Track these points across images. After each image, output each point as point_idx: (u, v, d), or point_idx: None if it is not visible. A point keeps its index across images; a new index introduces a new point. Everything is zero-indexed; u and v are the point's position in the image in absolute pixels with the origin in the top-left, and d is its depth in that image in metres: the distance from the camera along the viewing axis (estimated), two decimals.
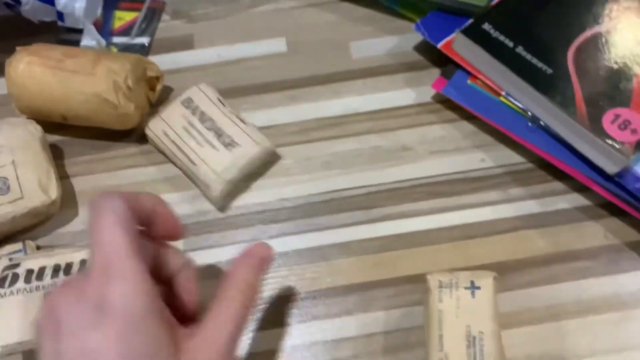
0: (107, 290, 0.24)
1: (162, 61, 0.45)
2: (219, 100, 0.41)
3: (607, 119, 0.36)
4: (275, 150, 0.41)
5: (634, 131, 0.36)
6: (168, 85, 0.45)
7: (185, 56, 0.47)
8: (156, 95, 0.43)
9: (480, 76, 0.41)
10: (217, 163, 0.39)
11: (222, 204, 0.40)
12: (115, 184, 0.41)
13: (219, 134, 0.40)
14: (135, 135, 0.43)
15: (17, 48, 0.40)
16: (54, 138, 0.43)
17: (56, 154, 0.42)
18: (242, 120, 0.40)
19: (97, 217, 0.26)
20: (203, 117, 0.40)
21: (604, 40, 0.40)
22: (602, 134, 0.36)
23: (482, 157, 0.42)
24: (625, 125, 0.36)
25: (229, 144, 0.39)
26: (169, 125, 0.40)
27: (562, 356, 0.34)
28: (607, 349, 0.34)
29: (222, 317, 0.28)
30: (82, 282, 0.25)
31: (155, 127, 0.40)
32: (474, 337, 0.30)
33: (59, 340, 0.24)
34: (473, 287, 0.31)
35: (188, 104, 0.41)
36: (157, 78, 0.43)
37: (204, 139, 0.39)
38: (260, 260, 0.31)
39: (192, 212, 0.40)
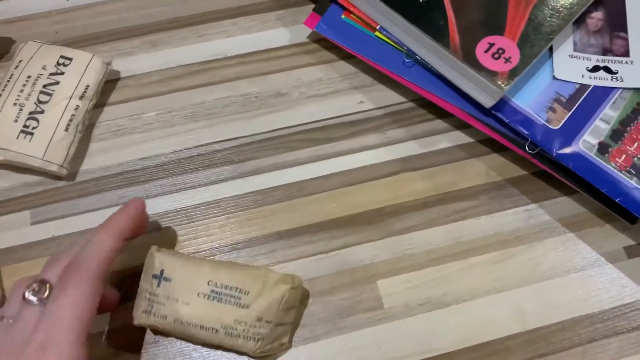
0: None
1: (2, 7, 0.39)
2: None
3: (480, 49, 0.34)
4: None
5: (507, 60, 0.34)
6: (8, 37, 0.40)
7: (28, 2, 0.41)
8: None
9: (353, 10, 0.38)
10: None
11: (68, 172, 0.35)
12: None
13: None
14: None
15: None
16: None
17: None
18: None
19: (77, 271, 0.26)
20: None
21: None
22: (476, 64, 0.34)
23: (361, 99, 0.39)
24: (499, 54, 0.34)
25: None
26: None
27: (442, 301, 0.33)
28: (487, 290, 0.33)
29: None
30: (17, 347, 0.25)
31: None
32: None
33: None
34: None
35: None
36: None
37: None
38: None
39: (40, 179, 0.36)
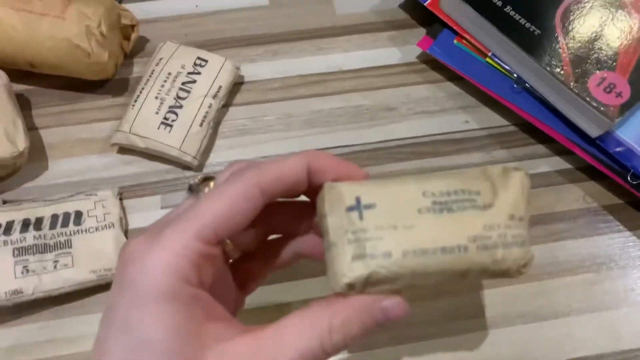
0: (132, 316, 0.21)
1: (136, 10, 0.42)
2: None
3: (593, 82, 0.36)
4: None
5: (619, 94, 0.36)
6: (143, 36, 0.43)
7: (160, 5, 0.45)
8: (131, 45, 0.41)
9: (466, 36, 0.41)
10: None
11: (200, 162, 0.39)
12: (86, 138, 0.39)
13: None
14: (108, 86, 0.41)
15: None
16: (20, 87, 0.40)
17: (23, 105, 0.39)
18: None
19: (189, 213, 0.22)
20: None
21: (590, 3, 0.39)
22: (588, 96, 0.36)
23: (466, 118, 0.41)
24: (610, 88, 0.36)
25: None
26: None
27: (539, 315, 0.35)
28: (582, 309, 0.35)
29: (284, 339, 0.21)
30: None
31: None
32: None
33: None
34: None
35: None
36: (132, 27, 0.41)
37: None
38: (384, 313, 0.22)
39: (170, 168, 0.39)
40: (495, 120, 0.41)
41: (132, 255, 0.21)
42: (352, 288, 0.21)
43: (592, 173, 0.39)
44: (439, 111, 0.41)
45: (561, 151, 0.40)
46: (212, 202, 0.22)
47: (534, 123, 0.39)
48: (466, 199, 0.22)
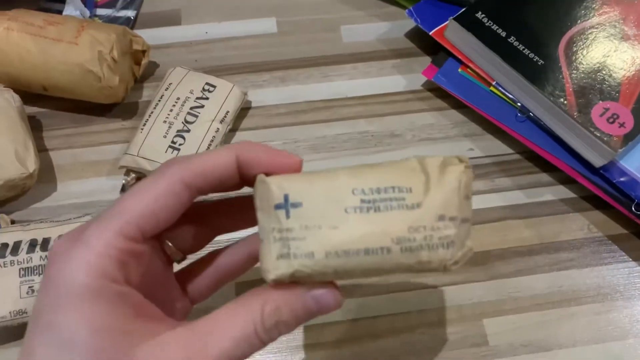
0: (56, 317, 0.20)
1: (148, 36, 0.43)
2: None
3: (596, 112, 0.37)
4: None
5: (622, 125, 0.36)
6: (153, 61, 0.44)
7: (171, 32, 0.46)
8: (141, 70, 0.42)
9: (471, 65, 0.41)
10: None
11: None
12: (95, 160, 0.40)
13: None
14: (118, 109, 0.42)
15: None
16: (33, 109, 0.41)
17: (34, 126, 0.40)
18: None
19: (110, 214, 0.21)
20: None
21: (594, 33, 0.40)
22: (591, 126, 0.36)
23: (471, 146, 0.42)
24: (613, 118, 0.37)
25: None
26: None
27: (544, 345, 0.35)
28: (588, 339, 0.35)
29: (218, 329, 0.21)
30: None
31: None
32: None
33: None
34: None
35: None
36: (143, 52, 0.41)
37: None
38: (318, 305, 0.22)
39: None
40: (500, 148, 0.41)
41: (55, 255, 0.21)
42: (279, 282, 0.21)
43: (596, 202, 0.39)
44: (444, 138, 0.42)
45: (565, 180, 0.40)
46: (135, 198, 0.21)
47: (538, 152, 0.39)
48: (395, 197, 0.21)
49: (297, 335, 0.35)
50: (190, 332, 0.21)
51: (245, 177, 0.23)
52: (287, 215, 0.21)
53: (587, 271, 0.37)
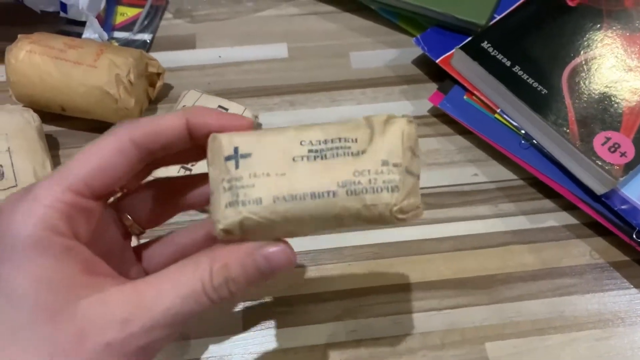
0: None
1: (163, 59, 0.45)
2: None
3: (598, 141, 0.38)
4: None
5: (623, 154, 0.37)
6: (168, 83, 0.46)
7: (186, 55, 0.47)
8: (156, 92, 0.43)
9: (476, 92, 0.42)
10: None
11: None
12: None
13: None
14: None
15: (19, 36, 0.40)
16: (50, 128, 0.43)
17: (51, 145, 0.42)
18: None
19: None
20: None
21: (596, 64, 0.41)
22: (593, 155, 0.37)
23: (475, 171, 0.42)
24: (615, 148, 0.37)
25: None
26: None
27: None
28: None
29: (164, 285, 0.21)
30: None
31: None
32: None
33: None
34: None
35: None
36: (158, 74, 0.43)
37: None
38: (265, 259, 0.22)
39: None
40: (504, 174, 0.42)
41: (2, 210, 0.21)
42: (229, 234, 0.21)
43: (598, 229, 0.40)
44: (449, 163, 0.43)
45: (568, 206, 0.41)
46: (83, 156, 0.22)
47: (541, 178, 0.40)
48: (341, 146, 0.22)
49: (301, 355, 0.35)
50: (135, 289, 0.21)
51: (198, 142, 0.24)
52: (237, 166, 0.22)
53: (589, 297, 0.38)
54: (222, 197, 0.21)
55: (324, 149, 0.22)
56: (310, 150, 0.22)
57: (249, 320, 0.36)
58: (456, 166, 0.43)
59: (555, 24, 0.43)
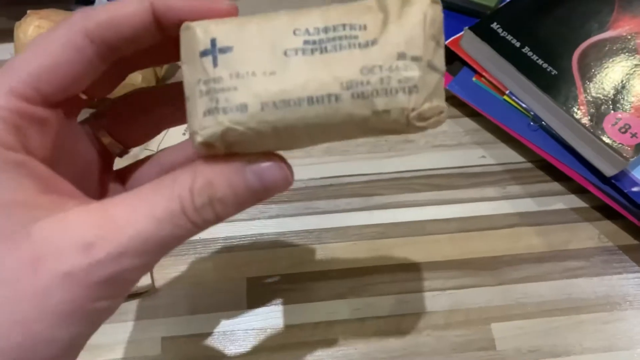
0: None
1: None
2: None
3: (608, 122, 0.37)
4: None
5: (634, 135, 0.37)
6: (177, 64, 0.45)
7: None
8: (163, 71, 0.43)
9: (485, 74, 0.42)
10: None
11: None
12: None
13: None
14: None
15: (28, 11, 0.40)
16: None
17: None
18: None
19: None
20: None
21: (608, 47, 0.40)
22: (603, 135, 0.37)
23: (483, 153, 0.42)
24: (625, 129, 0.37)
25: None
26: None
27: (551, 352, 0.35)
28: (595, 348, 0.35)
29: (137, 205, 0.18)
30: None
31: None
32: None
33: None
34: None
35: None
36: None
37: None
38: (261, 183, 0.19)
39: None
40: (512, 156, 0.42)
41: None
42: (210, 148, 0.18)
43: (607, 212, 0.39)
44: (457, 145, 0.42)
45: (576, 189, 0.40)
46: (28, 54, 0.18)
47: (549, 160, 0.40)
48: (346, 35, 0.17)
49: (305, 332, 0.35)
50: (102, 209, 0.17)
51: (170, 33, 0.19)
52: (215, 63, 0.17)
53: (597, 280, 0.37)
54: (198, 104, 0.17)
55: (324, 40, 0.17)
56: (306, 42, 0.17)
57: (253, 297, 0.36)
58: (464, 148, 0.42)
59: (566, 5, 0.42)
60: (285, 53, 0.17)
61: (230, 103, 0.17)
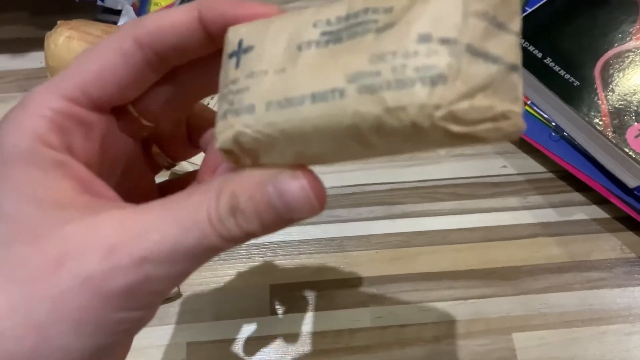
0: None
1: None
2: None
3: (631, 133, 0.37)
4: None
5: None
6: None
7: None
8: None
9: None
10: None
11: None
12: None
13: None
14: None
15: (58, 22, 0.41)
16: None
17: None
18: None
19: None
20: None
21: (630, 57, 0.40)
22: (626, 147, 0.37)
23: (504, 163, 0.42)
24: None
25: None
26: None
27: None
28: (617, 359, 0.35)
29: (166, 212, 0.17)
30: None
31: None
32: None
33: None
34: None
35: None
36: None
37: None
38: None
39: None
40: (533, 166, 0.42)
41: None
42: (231, 155, 0.17)
43: (630, 223, 0.39)
44: (477, 155, 0.43)
45: (598, 200, 0.40)
46: (81, 60, 0.19)
47: (571, 171, 0.40)
48: (365, 20, 0.14)
49: (327, 340, 0.36)
50: (133, 214, 0.17)
51: (220, 45, 0.19)
52: (237, 64, 0.16)
53: (619, 291, 0.37)
54: (220, 107, 0.16)
55: (342, 29, 0.15)
56: (323, 33, 0.15)
57: (276, 304, 0.37)
58: (485, 158, 0.43)
59: (588, 16, 0.43)
60: (299, 47, 0.15)
61: (242, 104, 0.16)
